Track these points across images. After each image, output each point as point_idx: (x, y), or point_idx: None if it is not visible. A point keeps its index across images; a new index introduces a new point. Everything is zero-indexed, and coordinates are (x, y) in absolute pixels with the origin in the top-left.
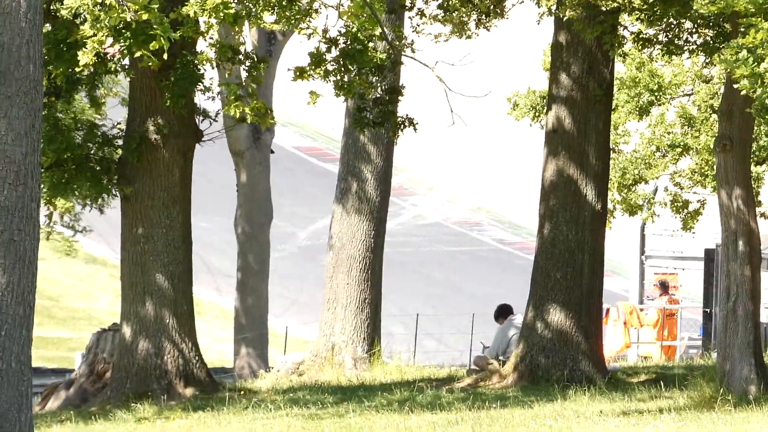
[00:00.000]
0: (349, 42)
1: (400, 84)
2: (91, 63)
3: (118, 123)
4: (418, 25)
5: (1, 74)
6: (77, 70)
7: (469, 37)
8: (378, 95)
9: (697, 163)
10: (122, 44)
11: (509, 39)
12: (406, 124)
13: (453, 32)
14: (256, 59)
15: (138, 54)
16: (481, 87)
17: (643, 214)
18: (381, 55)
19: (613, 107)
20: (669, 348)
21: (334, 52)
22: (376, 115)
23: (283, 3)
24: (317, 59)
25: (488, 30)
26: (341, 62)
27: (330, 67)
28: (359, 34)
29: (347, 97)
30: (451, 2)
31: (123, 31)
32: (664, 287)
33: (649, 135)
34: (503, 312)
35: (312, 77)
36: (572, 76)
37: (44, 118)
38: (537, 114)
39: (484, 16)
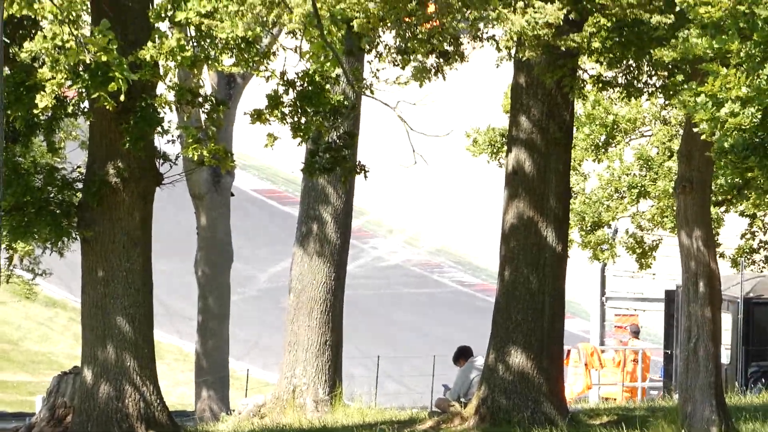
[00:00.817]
0: (305, 84)
1: (358, 128)
2: (50, 106)
3: (78, 166)
4: (378, 70)
5: None
6: (36, 113)
7: (428, 79)
8: (331, 140)
9: (658, 208)
10: (80, 86)
11: (471, 78)
12: (358, 170)
13: (414, 76)
14: (215, 102)
15: (95, 95)
16: (442, 126)
17: (603, 255)
18: (338, 97)
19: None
20: (633, 389)
21: (292, 95)
22: (327, 161)
23: (242, 46)
24: (274, 102)
25: (444, 79)
26: (297, 104)
27: (287, 110)
28: (316, 76)
29: (304, 140)
30: (409, 45)
31: (81, 72)
32: (636, 334)
33: (607, 177)
34: (463, 353)
35: (269, 121)
36: (532, 119)
37: (3, 162)
38: (495, 151)
39: (442, 60)
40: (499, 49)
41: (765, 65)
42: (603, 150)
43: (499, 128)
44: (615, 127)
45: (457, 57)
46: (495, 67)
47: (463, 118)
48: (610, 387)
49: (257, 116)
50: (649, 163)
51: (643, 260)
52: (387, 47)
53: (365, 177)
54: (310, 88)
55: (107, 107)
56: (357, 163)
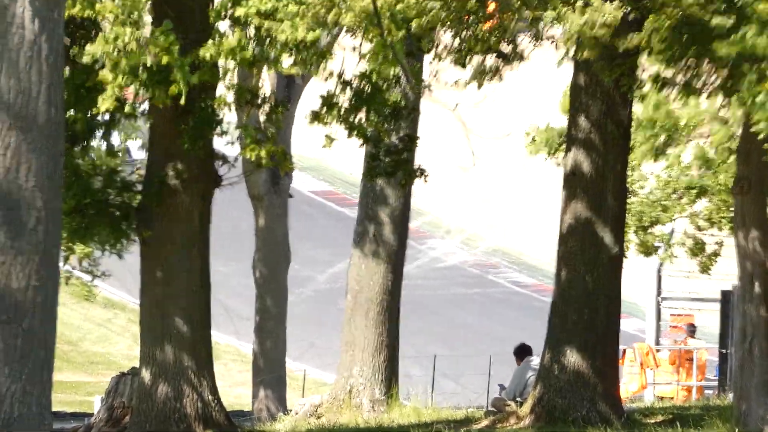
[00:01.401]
0: (362, 84)
1: (417, 130)
2: (111, 108)
3: (138, 168)
4: (437, 72)
5: (23, 119)
6: (95, 114)
7: (488, 80)
8: (393, 142)
9: (715, 204)
10: (138, 86)
11: (529, 79)
12: (418, 174)
13: (472, 77)
14: (274, 103)
15: (151, 94)
16: (500, 127)
17: (661, 255)
18: (395, 97)
19: (630, 147)
20: (700, 389)
21: (348, 94)
22: (388, 164)
23: (300, 46)
24: (328, 102)
25: (501, 80)
26: (354, 104)
27: (343, 110)
28: (373, 76)
29: (364, 140)
30: (467, 44)
31: (140, 72)
32: (692, 331)
33: (665, 177)
34: (523, 351)
35: (327, 123)
36: (590, 118)
37: (64, 164)
38: (552, 150)
39: (501, 61)
40: (557, 48)
41: None
42: (662, 152)
43: (557, 128)
44: (675, 129)
45: (516, 58)
46: (555, 68)
47: (521, 119)
48: (665, 386)
49: (315, 117)
50: (708, 163)
51: (704, 262)
52: (446, 47)
53: (425, 181)
54: (367, 88)
55: (161, 105)
56: (417, 166)
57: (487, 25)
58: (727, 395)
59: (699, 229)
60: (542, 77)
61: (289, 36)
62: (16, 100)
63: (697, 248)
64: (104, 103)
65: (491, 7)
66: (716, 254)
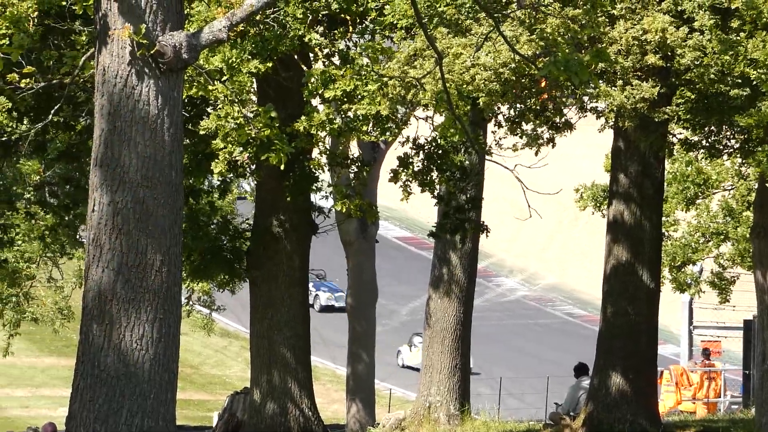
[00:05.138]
0: (433, 148)
1: (482, 189)
2: (224, 170)
3: (247, 218)
4: (500, 138)
5: (149, 179)
6: (214, 175)
7: (542, 145)
8: (461, 202)
9: (737, 249)
10: (250, 153)
11: (577, 141)
12: (481, 230)
13: (527, 144)
14: (361, 164)
15: (263, 157)
16: (552, 183)
17: (691, 290)
18: (461, 157)
19: (664, 198)
20: (713, 405)
21: (421, 156)
22: (453, 222)
23: (378, 119)
24: (404, 163)
25: (554, 146)
26: (425, 164)
27: (417, 169)
28: (441, 141)
29: (431, 193)
30: (525, 116)
31: (251, 142)
32: (706, 354)
33: (695, 223)
34: (579, 370)
35: (404, 182)
36: (629, 177)
37: (185, 217)
38: (598, 204)
39: (554, 131)
40: (598, 118)
41: None
42: (693, 204)
43: (601, 184)
44: (704, 183)
45: (566, 127)
46: (598, 132)
47: (569, 176)
48: (690, 402)
49: (394, 176)
50: (731, 212)
51: (722, 295)
52: (506, 118)
53: (486, 236)
54: (439, 151)
55: (273, 164)
56: (482, 223)
57: (542, 97)
58: (750, 410)
59: (723, 267)
60: (588, 140)
61: (369, 110)
62: (143, 165)
63: (722, 284)
64: (217, 167)
65: (543, 83)
66: (731, 283)
